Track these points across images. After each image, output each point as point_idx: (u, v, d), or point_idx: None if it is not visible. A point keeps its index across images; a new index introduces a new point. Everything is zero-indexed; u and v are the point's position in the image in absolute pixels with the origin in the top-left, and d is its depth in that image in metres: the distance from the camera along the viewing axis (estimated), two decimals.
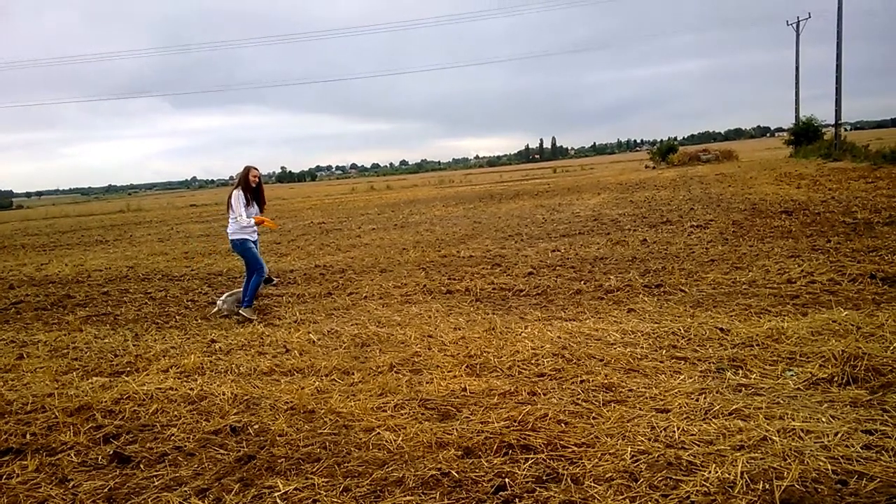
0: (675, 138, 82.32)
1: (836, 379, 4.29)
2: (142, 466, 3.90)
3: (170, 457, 3.99)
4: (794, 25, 47.70)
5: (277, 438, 4.09)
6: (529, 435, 3.81)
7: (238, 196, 7.60)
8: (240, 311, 7.68)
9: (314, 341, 6.40)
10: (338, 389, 4.93)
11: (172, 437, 4.27)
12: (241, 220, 7.60)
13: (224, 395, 4.93)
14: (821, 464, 3.19)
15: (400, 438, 3.91)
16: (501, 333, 6.08)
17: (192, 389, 5.11)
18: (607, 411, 4.08)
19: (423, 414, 4.32)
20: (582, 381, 4.64)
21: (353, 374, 5.28)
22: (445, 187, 47.22)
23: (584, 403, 4.24)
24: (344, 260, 12.11)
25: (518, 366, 5.13)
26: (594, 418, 4.00)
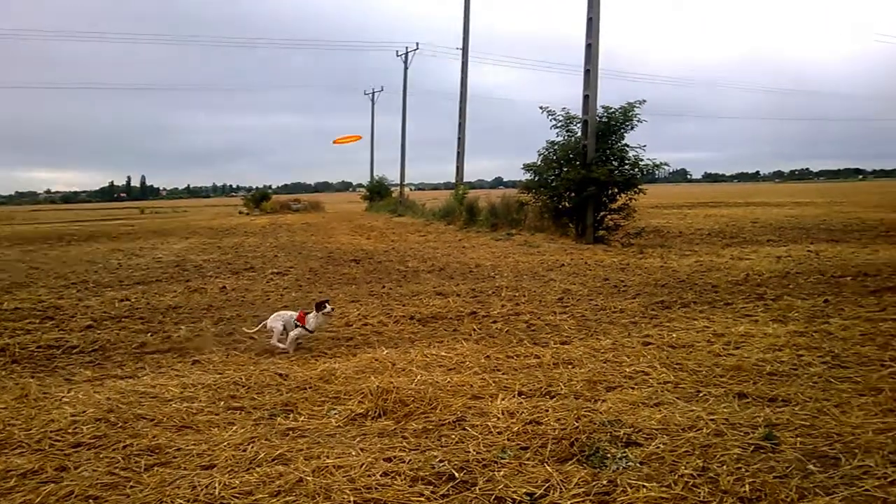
0: (270, 187, 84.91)
1: (370, 413, 4.83)
2: None
3: None
4: (371, 96, 54.55)
5: None
6: None
7: None
8: None
9: None
10: None
11: None
12: None
13: None
14: (345, 497, 3.50)
15: None
16: (36, 401, 5.21)
17: None
18: (148, 476, 3.80)
19: None
20: (125, 447, 4.24)
21: None
22: (2, 225, 39.26)
23: (122, 472, 3.87)
24: None
25: (50, 437, 4.43)
26: (132, 487, 3.68)
